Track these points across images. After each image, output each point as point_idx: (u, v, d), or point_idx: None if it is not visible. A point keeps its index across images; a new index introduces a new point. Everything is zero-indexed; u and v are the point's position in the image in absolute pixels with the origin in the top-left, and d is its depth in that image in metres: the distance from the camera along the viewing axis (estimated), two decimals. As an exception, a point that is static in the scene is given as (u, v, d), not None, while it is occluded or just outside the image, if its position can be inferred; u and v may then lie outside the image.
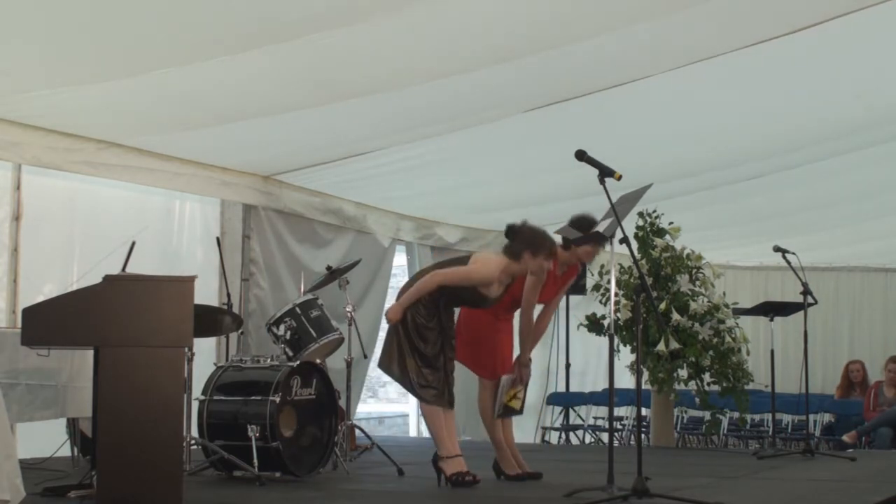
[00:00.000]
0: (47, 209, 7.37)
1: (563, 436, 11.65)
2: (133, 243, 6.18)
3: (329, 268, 7.41)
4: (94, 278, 4.84)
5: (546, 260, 5.88)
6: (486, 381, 6.30)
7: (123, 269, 6.04)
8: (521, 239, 5.88)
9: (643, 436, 8.68)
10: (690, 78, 7.42)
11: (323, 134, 8.09)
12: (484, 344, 6.26)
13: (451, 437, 5.97)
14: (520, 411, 6.40)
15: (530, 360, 6.39)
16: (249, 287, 8.87)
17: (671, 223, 9.52)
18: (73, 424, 6.79)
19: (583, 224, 6.02)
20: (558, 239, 6.09)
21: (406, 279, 11.48)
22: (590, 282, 10.67)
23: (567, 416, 11.87)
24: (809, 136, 9.20)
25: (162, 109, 7.12)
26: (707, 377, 9.32)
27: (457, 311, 6.26)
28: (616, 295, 7.97)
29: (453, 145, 8.44)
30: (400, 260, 11.19)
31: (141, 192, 8.04)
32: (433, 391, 5.87)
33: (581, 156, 5.42)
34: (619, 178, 5.33)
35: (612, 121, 8.29)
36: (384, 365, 6.09)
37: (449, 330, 6.01)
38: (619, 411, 11.35)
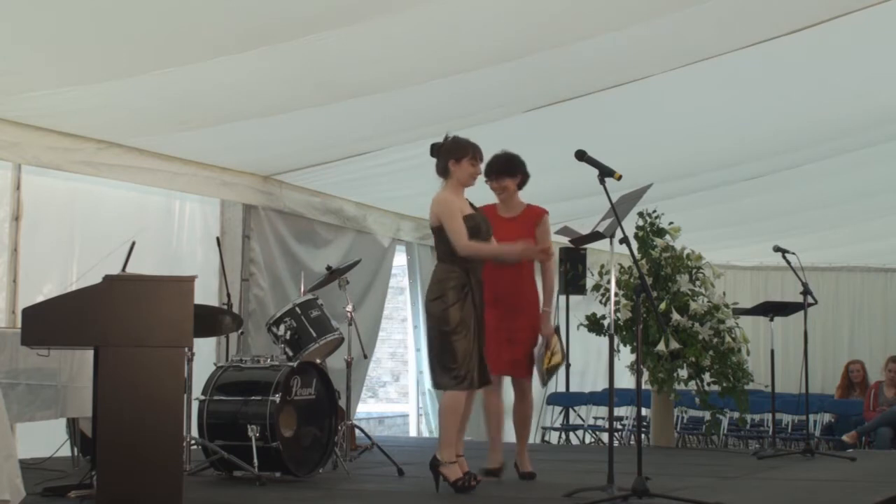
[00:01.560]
0: (47, 209, 7.37)
1: (563, 436, 11.65)
2: (133, 243, 6.17)
3: (329, 268, 7.41)
4: (94, 278, 4.84)
5: (472, 164, 5.79)
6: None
7: (123, 269, 6.03)
8: (445, 151, 5.84)
9: (643, 436, 8.68)
10: (690, 78, 7.43)
11: (323, 134, 8.09)
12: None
13: (461, 437, 5.83)
14: (562, 362, 6.37)
15: (547, 312, 6.29)
16: (249, 287, 8.87)
17: (671, 223, 9.52)
18: (73, 424, 6.79)
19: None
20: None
21: (406, 279, 11.59)
22: (590, 282, 10.68)
23: (567, 416, 11.86)
24: (809, 136, 9.21)
25: (162, 109, 7.11)
26: (707, 377, 9.31)
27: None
28: (616, 295, 7.96)
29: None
30: (400, 260, 11.19)
31: (141, 192, 8.04)
32: (454, 378, 5.62)
33: (581, 156, 5.43)
34: (619, 178, 5.33)
35: (612, 121, 8.29)
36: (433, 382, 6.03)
37: (482, 303, 5.75)
38: (619, 411, 11.35)
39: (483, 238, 5.82)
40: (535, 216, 6.37)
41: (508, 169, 6.33)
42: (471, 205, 5.90)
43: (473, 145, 5.84)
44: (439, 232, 5.81)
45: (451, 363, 5.62)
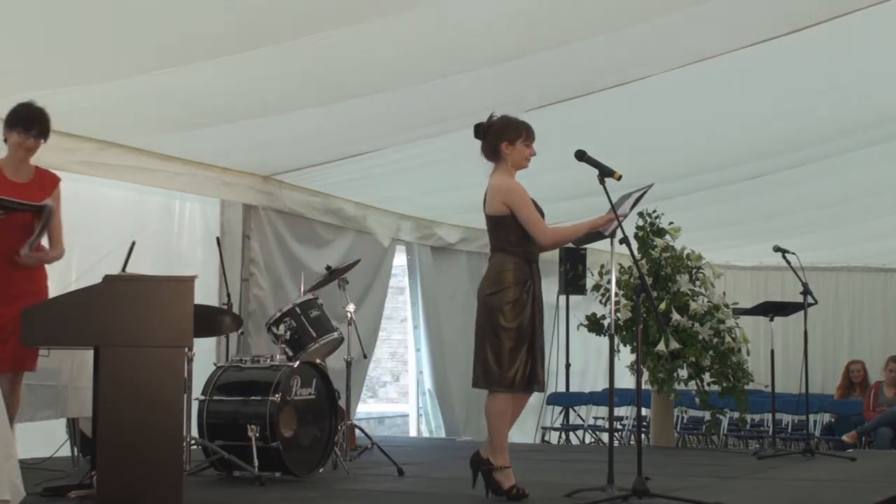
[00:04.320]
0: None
1: (563, 436, 11.64)
2: (133, 243, 6.17)
3: (329, 268, 7.41)
4: (94, 278, 4.84)
5: (526, 146, 5.39)
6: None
7: (123, 269, 6.03)
8: (493, 132, 5.42)
9: (643, 436, 8.68)
10: (690, 78, 7.42)
11: (323, 134, 8.09)
12: None
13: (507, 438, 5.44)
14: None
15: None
16: (249, 287, 8.87)
17: (671, 223, 9.52)
18: (73, 424, 6.79)
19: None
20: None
21: (406, 279, 11.60)
22: (590, 282, 10.68)
23: (567, 416, 11.86)
24: (809, 136, 9.20)
25: (162, 109, 7.12)
26: (707, 377, 9.31)
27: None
28: (616, 295, 7.96)
29: (453, 145, 8.44)
30: (400, 260, 11.19)
31: (141, 192, 8.04)
32: (499, 379, 5.23)
33: (581, 156, 5.42)
34: (619, 178, 5.32)
35: (612, 121, 8.29)
36: (474, 382, 5.42)
37: (541, 303, 5.37)
38: (619, 411, 11.35)
39: None
40: (51, 184, 5.56)
41: (47, 126, 5.40)
42: None
43: (526, 124, 5.45)
44: (500, 220, 5.36)
45: (498, 363, 5.23)
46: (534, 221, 5.32)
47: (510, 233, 5.35)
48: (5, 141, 5.38)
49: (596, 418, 11.94)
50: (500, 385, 5.26)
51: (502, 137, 5.42)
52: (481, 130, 5.50)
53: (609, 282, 6.50)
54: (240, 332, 7.89)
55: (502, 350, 5.24)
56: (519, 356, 5.25)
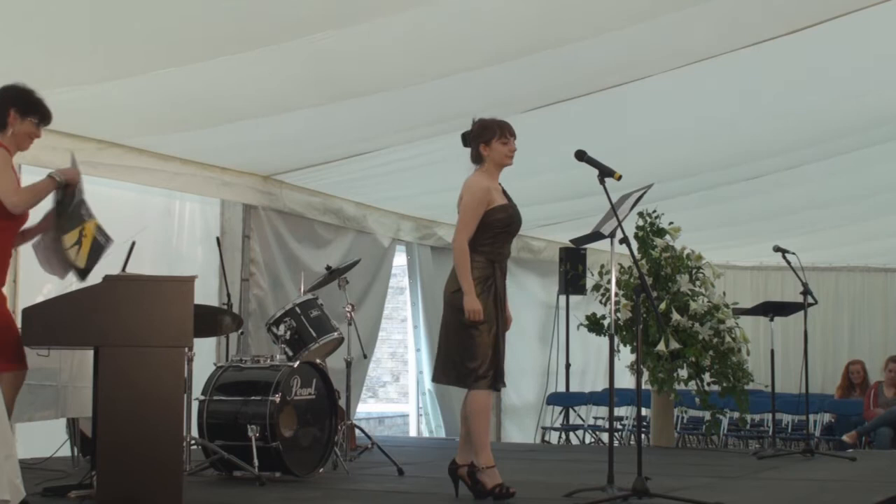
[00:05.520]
0: (47, 209, 7.35)
1: (563, 436, 11.64)
2: (133, 243, 6.17)
3: (329, 268, 7.42)
4: (94, 278, 4.84)
5: (503, 143, 5.47)
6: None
7: (123, 269, 6.04)
8: (473, 137, 5.55)
9: (643, 436, 8.68)
10: (690, 78, 7.42)
11: (323, 134, 8.10)
12: None
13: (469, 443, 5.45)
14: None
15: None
16: (249, 287, 8.88)
17: (671, 223, 9.52)
18: (73, 424, 6.79)
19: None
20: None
21: (406, 279, 11.61)
22: (590, 282, 10.68)
23: (567, 416, 11.86)
24: (809, 137, 9.21)
25: (162, 109, 7.12)
26: (707, 377, 9.31)
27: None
28: (616, 295, 7.96)
29: (453, 145, 8.40)
30: (400, 260, 11.20)
31: (141, 192, 8.03)
32: (477, 376, 5.27)
33: (581, 156, 5.43)
34: (619, 178, 5.33)
35: (613, 121, 8.29)
36: (437, 378, 5.54)
37: (504, 297, 5.43)
38: (619, 411, 11.34)
39: (513, 233, 5.52)
40: None
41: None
42: (504, 192, 5.55)
43: (500, 123, 5.53)
44: None
45: (471, 360, 5.27)
46: (459, 228, 5.40)
47: (478, 232, 5.38)
48: (5, 123, 4.99)
49: (596, 418, 11.93)
50: (475, 381, 5.29)
51: (479, 140, 5.54)
52: (466, 138, 5.61)
53: (609, 282, 6.51)
54: (240, 332, 7.89)
55: (468, 347, 5.29)
56: (486, 353, 5.28)
